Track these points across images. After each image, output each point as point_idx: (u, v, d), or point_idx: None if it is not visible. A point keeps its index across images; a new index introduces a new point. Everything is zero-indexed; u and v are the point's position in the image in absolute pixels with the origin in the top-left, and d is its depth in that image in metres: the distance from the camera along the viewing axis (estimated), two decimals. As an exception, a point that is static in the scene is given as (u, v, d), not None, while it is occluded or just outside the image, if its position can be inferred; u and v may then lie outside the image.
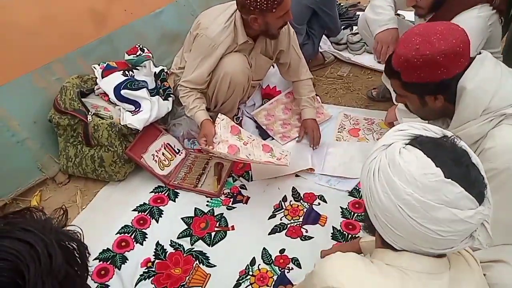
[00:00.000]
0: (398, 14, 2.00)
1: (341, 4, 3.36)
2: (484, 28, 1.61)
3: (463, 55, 1.06)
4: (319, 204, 1.77)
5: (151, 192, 1.86)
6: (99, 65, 2.03)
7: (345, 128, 2.20)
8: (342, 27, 2.91)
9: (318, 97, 2.30)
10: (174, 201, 1.83)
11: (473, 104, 1.07)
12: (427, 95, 1.14)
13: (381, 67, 1.91)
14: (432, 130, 0.74)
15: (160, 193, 1.86)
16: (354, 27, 2.96)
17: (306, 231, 1.65)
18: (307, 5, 2.34)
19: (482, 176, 0.69)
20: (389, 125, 1.95)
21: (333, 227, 1.66)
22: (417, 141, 0.71)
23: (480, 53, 1.13)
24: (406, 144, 0.71)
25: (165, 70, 2.11)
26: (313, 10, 2.38)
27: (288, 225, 1.68)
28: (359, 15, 3.17)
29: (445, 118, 1.24)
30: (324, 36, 2.76)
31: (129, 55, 2.13)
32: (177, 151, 2.01)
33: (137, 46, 2.16)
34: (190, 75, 1.84)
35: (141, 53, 2.13)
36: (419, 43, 1.06)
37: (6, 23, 1.84)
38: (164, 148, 1.96)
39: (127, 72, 1.99)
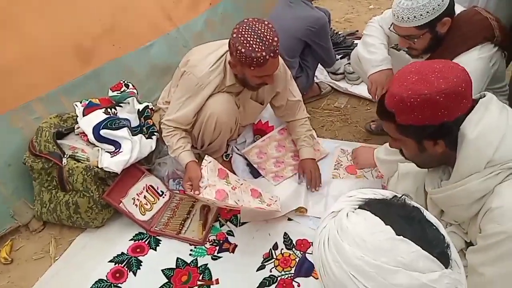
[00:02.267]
0: (396, 45, 1.88)
1: (339, 33, 3.27)
2: (486, 69, 1.46)
3: (465, 96, 0.93)
4: (312, 252, 1.61)
5: (131, 239, 1.72)
6: (81, 102, 1.93)
7: (341, 165, 2.06)
8: (340, 56, 2.81)
9: (313, 131, 2.17)
10: (155, 249, 1.68)
11: (475, 156, 0.94)
12: (425, 140, 1.00)
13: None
14: (382, 194, 0.69)
15: (140, 240, 1.72)
16: (352, 56, 2.87)
17: (298, 285, 1.50)
18: (299, 38, 2.24)
19: (442, 234, 0.62)
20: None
21: (327, 281, 1.50)
22: (366, 204, 0.66)
23: (484, 95, 1.00)
24: (356, 209, 0.66)
25: (150, 107, 2.01)
26: (305, 42, 2.28)
27: (279, 278, 1.53)
28: (357, 43, 3.09)
29: (446, 166, 1.09)
30: (320, 65, 2.65)
31: (113, 91, 2.03)
32: (161, 193, 1.87)
33: (121, 81, 2.07)
34: (174, 114, 1.73)
35: (126, 89, 2.04)
36: (415, 82, 0.93)
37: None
38: (146, 191, 1.83)
39: (109, 110, 1.88)
